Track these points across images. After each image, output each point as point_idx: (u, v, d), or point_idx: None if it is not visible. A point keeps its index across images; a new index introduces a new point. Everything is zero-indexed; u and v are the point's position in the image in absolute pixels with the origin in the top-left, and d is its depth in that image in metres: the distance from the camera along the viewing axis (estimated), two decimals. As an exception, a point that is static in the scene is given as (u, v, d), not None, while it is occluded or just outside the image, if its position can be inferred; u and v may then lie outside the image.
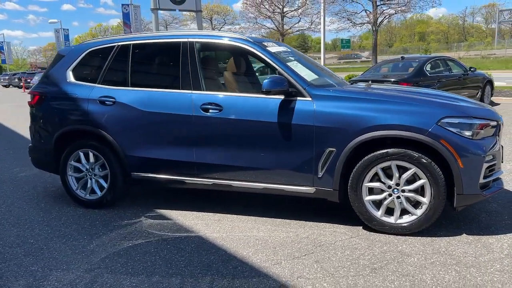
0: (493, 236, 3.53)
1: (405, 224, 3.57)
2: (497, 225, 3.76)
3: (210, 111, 3.93)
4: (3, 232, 3.94)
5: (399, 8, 16.75)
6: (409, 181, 3.55)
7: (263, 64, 4.62)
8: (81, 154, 4.46)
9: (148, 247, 3.50)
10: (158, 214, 4.27)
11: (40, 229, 3.99)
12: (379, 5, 16.30)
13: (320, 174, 3.71)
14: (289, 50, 4.54)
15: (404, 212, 3.61)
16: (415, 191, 3.54)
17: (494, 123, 3.61)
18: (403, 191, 3.56)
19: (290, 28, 28.61)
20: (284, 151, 3.77)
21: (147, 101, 4.17)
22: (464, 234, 3.58)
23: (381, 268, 3.03)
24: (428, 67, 10.28)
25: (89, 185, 4.51)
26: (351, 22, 18.25)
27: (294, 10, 28.30)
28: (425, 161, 3.42)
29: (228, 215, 4.19)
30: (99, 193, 4.48)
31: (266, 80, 3.69)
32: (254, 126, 3.83)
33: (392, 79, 9.44)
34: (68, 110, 4.47)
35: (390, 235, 3.59)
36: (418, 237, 3.54)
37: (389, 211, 3.65)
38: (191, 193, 4.83)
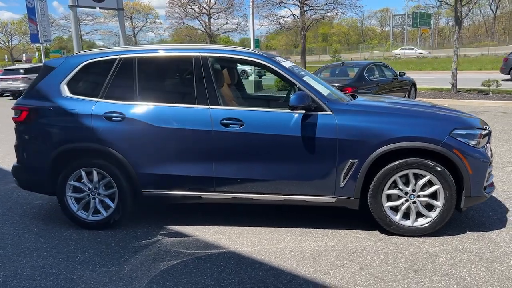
0: (493, 231, 4.01)
1: (422, 226, 3.92)
2: (489, 221, 4.27)
3: (231, 126, 3.95)
4: (13, 264, 3.60)
5: (326, 14, 17.73)
6: (422, 187, 3.91)
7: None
8: (83, 173, 4.21)
9: (188, 267, 3.45)
10: (172, 231, 4.19)
11: (53, 256, 3.72)
12: (306, 10, 17.08)
13: (342, 184, 3.92)
14: (294, 65, 4.69)
15: (418, 215, 3.96)
16: (429, 196, 3.90)
17: (486, 132, 4.10)
18: (418, 196, 3.91)
19: (218, 30, 28.61)
20: (307, 163, 3.92)
21: (161, 116, 4.06)
22: (468, 232, 4.02)
23: (422, 270, 3.32)
24: (367, 73, 11.03)
25: (92, 205, 4.27)
26: (280, 26, 18.84)
27: (221, 11, 28.38)
28: (439, 168, 3.78)
29: (246, 227, 4.24)
30: (104, 213, 4.26)
31: (293, 97, 3.81)
32: (276, 140, 3.93)
33: (336, 84, 9.99)
34: (68, 127, 4.18)
35: (408, 237, 3.91)
36: (433, 238, 3.90)
37: (404, 215, 3.97)
38: (192, 208, 4.76)
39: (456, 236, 3.94)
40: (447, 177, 3.80)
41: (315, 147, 3.89)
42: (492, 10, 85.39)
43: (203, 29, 28.24)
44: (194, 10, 27.29)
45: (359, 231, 4.10)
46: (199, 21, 27.94)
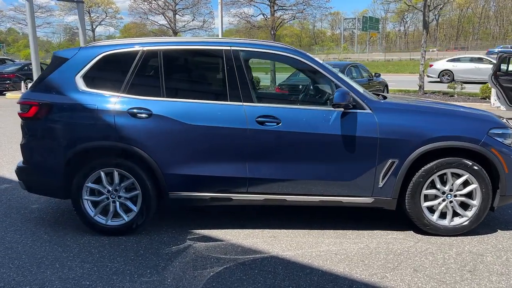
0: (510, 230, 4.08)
1: (458, 226, 3.91)
2: (500, 219, 4.34)
3: (267, 124, 3.76)
4: (37, 277, 3.22)
5: (296, 14, 17.76)
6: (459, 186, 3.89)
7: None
8: (103, 174, 3.86)
9: (235, 274, 3.23)
10: (201, 236, 3.93)
11: (79, 266, 3.37)
12: (276, 10, 17.03)
13: (380, 185, 3.83)
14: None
15: (454, 214, 3.95)
16: (465, 195, 3.90)
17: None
18: (455, 195, 3.89)
19: (184, 26, 27.89)
20: (345, 163, 3.81)
21: (191, 114, 3.80)
22: (499, 230, 4.07)
23: (475, 270, 3.29)
24: (346, 73, 11.12)
25: (111, 209, 3.93)
26: (250, 24, 18.66)
27: (186, 8, 27.70)
28: (476, 168, 3.79)
29: (277, 230, 4.06)
30: (125, 218, 3.93)
31: (336, 94, 3.68)
32: (314, 139, 3.78)
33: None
34: (86, 124, 3.81)
35: (445, 237, 3.89)
36: (469, 237, 3.91)
37: (440, 215, 3.95)
38: (212, 210, 4.52)
39: (490, 235, 3.97)
40: (484, 176, 3.81)
41: (355, 146, 3.78)
42: (435, 17, 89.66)
43: (168, 25, 27.51)
44: (159, 5, 26.50)
45: (394, 231, 4.03)
46: (164, 17, 27.20)
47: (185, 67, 4.16)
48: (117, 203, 3.93)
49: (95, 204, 3.96)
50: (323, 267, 3.35)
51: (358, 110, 3.80)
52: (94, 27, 49.67)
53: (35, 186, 4.06)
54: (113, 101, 3.82)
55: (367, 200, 3.90)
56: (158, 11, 27.17)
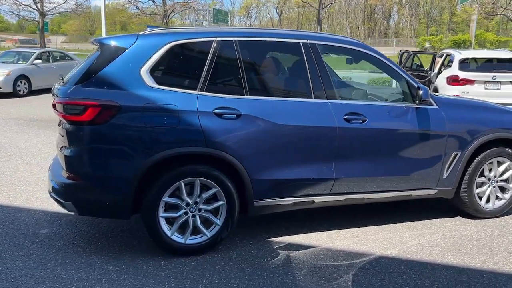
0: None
1: (499, 208, 4.36)
2: None
3: (353, 121, 3.67)
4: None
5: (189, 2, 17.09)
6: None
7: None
8: (183, 186, 3.30)
9: (373, 279, 3.10)
10: (287, 243, 3.66)
11: (202, 297, 2.85)
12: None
13: (445, 176, 4.06)
14: None
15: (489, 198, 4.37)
16: (504, 180, 4.37)
17: None
18: (497, 181, 4.34)
19: (55, 8, 24.03)
20: (419, 158, 3.93)
21: (281, 112, 3.48)
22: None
23: (549, 246, 3.74)
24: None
25: (191, 225, 3.39)
26: (139, 10, 17.24)
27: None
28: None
29: (353, 229, 3.99)
30: (207, 234, 3.43)
31: (423, 91, 3.76)
32: (394, 135, 3.82)
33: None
34: (168, 128, 3.19)
35: (494, 219, 4.30)
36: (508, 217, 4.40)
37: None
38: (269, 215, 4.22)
39: (518, 214, 4.52)
40: (519, 162, 4.33)
41: (429, 141, 3.92)
42: (278, 14, 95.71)
43: (34, 6, 23.71)
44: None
45: (446, 219, 4.29)
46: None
47: (265, 62, 3.76)
48: (197, 217, 3.40)
49: (170, 220, 3.37)
50: (437, 260, 3.43)
51: (429, 106, 3.95)
52: None
53: (92, 206, 3.26)
54: (195, 100, 3.28)
55: (432, 191, 4.09)
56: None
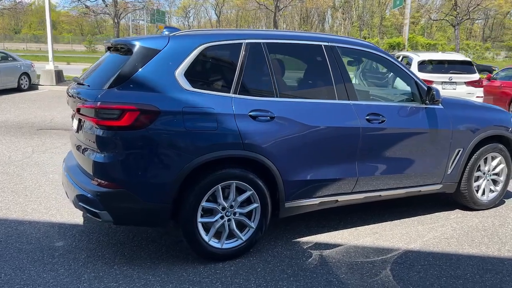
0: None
1: (492, 199, 4.69)
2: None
3: (373, 121, 3.80)
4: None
5: (143, 3, 16.47)
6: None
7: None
8: (220, 190, 3.26)
9: (410, 274, 3.23)
10: (314, 243, 3.71)
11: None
12: (118, -3, 15.55)
13: (449, 171, 4.32)
14: None
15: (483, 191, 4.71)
16: (496, 174, 4.71)
17: None
18: (490, 175, 4.67)
19: None
20: (430, 155, 4.15)
21: (311, 114, 3.54)
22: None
23: (546, 232, 4.09)
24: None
25: (227, 229, 3.35)
26: (90, 10, 16.37)
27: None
28: (505, 151, 4.63)
29: (370, 226, 4.12)
30: (242, 237, 3.40)
31: (436, 92, 3.98)
32: (409, 134, 4.00)
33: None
34: (208, 132, 3.13)
35: (490, 210, 4.62)
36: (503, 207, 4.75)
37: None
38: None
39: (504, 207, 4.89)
40: (509, 157, 4.69)
41: (438, 139, 4.15)
42: (217, 15, 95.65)
43: None
44: None
45: (447, 212, 4.56)
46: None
47: (291, 63, 3.79)
48: (233, 221, 3.37)
49: (206, 226, 3.31)
50: (465, 250, 3.65)
51: (436, 106, 4.17)
52: None
53: (130, 214, 3.11)
54: (230, 103, 3.25)
55: (438, 187, 4.33)
56: None
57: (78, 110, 3.20)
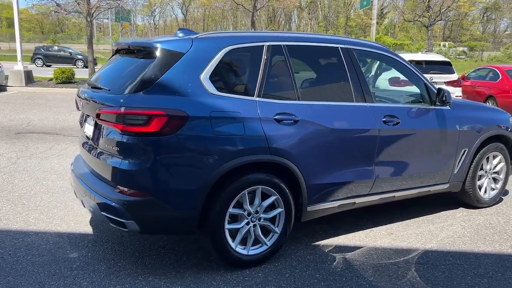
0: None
1: (493, 197, 4.82)
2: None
3: (389, 123, 3.83)
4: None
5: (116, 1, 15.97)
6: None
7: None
8: (246, 195, 3.20)
9: (435, 274, 3.27)
10: (334, 246, 3.71)
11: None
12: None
13: (455, 171, 4.41)
14: None
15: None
16: (496, 172, 4.85)
17: None
18: (491, 173, 4.81)
19: None
20: (439, 155, 4.22)
21: (333, 116, 3.53)
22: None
23: (550, 228, 4.25)
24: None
25: (252, 235, 3.29)
26: (60, 8, 15.70)
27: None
28: (504, 149, 4.77)
29: (383, 227, 4.16)
30: (267, 243, 3.35)
31: (448, 93, 4.05)
32: (421, 135, 4.06)
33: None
34: (235, 137, 3.05)
35: (493, 207, 4.76)
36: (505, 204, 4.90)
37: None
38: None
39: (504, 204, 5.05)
40: (508, 156, 4.84)
41: (447, 139, 4.23)
42: (183, 13, 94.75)
43: None
44: None
45: (450, 211, 4.66)
46: None
47: (310, 65, 3.76)
48: (258, 226, 3.31)
49: (232, 232, 3.24)
50: (471, 249, 3.72)
51: (444, 107, 4.25)
52: None
53: (158, 223, 3.00)
54: (255, 107, 3.19)
55: (445, 186, 4.41)
56: None
57: (98, 115, 3.07)
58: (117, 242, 3.67)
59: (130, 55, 3.42)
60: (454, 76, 10.26)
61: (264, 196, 3.30)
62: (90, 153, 3.34)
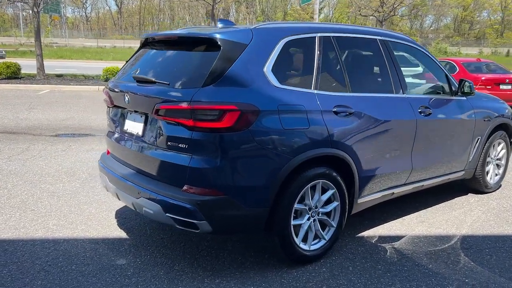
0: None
1: (496, 182, 5.11)
2: None
3: (423, 114, 3.93)
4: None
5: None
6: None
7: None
8: (309, 190, 3.14)
9: (485, 259, 3.41)
10: (378, 236, 3.75)
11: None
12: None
13: (470, 159, 4.62)
14: None
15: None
16: (499, 158, 5.13)
17: None
18: (495, 160, 5.09)
19: None
20: (459, 143, 4.40)
21: (382, 108, 3.55)
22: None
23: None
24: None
25: (313, 230, 3.24)
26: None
27: None
28: (506, 137, 5.07)
29: (413, 215, 4.27)
30: (325, 237, 3.32)
31: (471, 84, 4.21)
32: (448, 125, 4.22)
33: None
34: (301, 131, 2.97)
35: (494, 193, 5.03)
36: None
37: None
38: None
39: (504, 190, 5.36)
40: (508, 143, 5.14)
41: (466, 128, 4.42)
42: (117, 5, 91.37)
43: None
44: None
45: (461, 198, 4.88)
46: None
47: (357, 57, 3.73)
48: (317, 221, 3.27)
49: (295, 228, 3.17)
50: (501, 232, 3.91)
51: (461, 98, 4.43)
52: None
53: (231, 222, 2.86)
54: (315, 99, 3.13)
55: (461, 173, 4.61)
56: None
57: (157, 111, 2.86)
58: (160, 245, 3.47)
59: (179, 47, 3.22)
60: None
61: (322, 191, 3.26)
62: (139, 151, 3.12)
